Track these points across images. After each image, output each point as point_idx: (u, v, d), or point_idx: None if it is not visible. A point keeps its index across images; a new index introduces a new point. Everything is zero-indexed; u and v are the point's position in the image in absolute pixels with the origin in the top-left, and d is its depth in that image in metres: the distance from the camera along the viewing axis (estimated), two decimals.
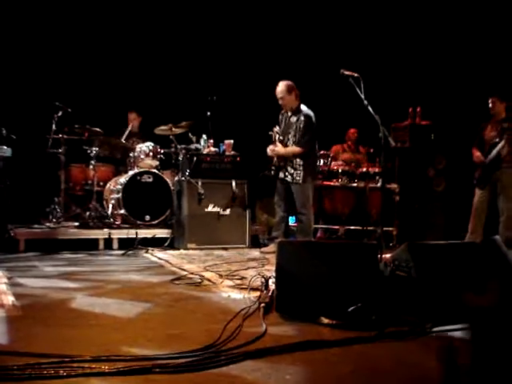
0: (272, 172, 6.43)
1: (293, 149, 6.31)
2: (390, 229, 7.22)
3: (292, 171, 6.30)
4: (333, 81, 5.78)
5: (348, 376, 2.34)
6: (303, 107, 6.38)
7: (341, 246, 3.58)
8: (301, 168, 6.27)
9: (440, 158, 7.67)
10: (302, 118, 6.30)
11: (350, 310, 3.04)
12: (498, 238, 4.17)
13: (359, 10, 9.03)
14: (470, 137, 6.81)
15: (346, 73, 5.01)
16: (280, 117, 6.61)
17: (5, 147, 6.27)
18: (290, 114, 6.43)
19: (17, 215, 6.90)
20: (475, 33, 8.17)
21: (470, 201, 6.74)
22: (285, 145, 6.36)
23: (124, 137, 7.70)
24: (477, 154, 6.61)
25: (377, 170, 7.48)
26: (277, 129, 6.42)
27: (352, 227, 7.39)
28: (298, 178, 6.26)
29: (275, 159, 6.41)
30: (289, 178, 6.32)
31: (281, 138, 6.37)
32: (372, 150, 7.92)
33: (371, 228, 7.09)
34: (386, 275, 3.41)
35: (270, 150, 6.41)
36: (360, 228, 7.28)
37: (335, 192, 7.53)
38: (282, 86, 6.38)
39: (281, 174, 6.39)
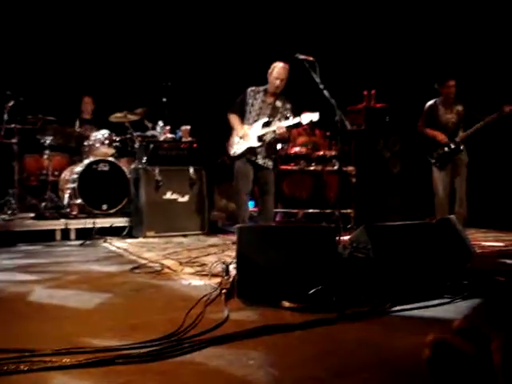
0: (233, 153, 6.04)
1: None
2: (348, 211, 7.29)
3: (269, 156, 6.04)
4: (289, 64, 5.80)
5: (311, 358, 2.36)
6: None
7: (299, 230, 3.60)
8: (274, 156, 6.27)
9: (395, 139, 7.77)
10: (289, 106, 6.00)
11: (310, 292, 3.07)
12: (452, 217, 4.28)
13: None
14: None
15: (301, 57, 5.02)
16: (251, 94, 6.02)
17: None
18: (269, 96, 5.99)
19: None
20: (427, 13, 8.27)
21: (425, 181, 6.86)
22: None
23: (77, 124, 7.56)
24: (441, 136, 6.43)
25: (333, 153, 7.54)
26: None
27: (311, 210, 7.44)
28: (269, 164, 6.04)
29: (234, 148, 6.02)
30: (261, 162, 5.97)
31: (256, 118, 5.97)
32: (328, 133, 7.96)
33: (329, 211, 7.15)
34: (344, 257, 3.46)
35: (244, 132, 5.92)
36: (318, 211, 7.35)
37: (293, 176, 7.57)
38: (287, 69, 5.90)
39: (253, 157, 5.95)
